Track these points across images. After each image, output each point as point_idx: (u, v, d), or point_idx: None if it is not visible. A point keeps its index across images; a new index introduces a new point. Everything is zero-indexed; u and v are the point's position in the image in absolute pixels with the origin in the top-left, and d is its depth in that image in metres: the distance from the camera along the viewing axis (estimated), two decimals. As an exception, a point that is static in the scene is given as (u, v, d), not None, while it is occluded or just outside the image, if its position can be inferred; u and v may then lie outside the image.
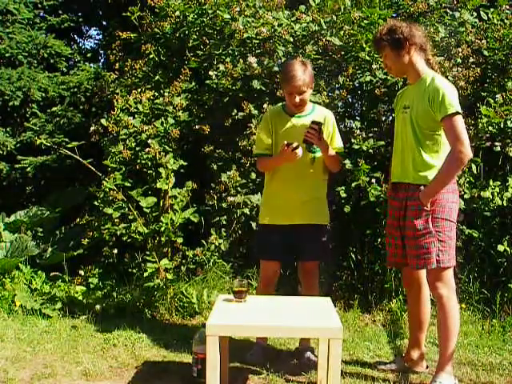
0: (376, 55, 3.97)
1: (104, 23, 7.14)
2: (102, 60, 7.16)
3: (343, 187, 4.06)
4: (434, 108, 2.69)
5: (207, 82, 4.24)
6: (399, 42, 2.77)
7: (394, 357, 3.27)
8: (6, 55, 5.79)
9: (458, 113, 2.65)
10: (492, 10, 4.30)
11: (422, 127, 2.76)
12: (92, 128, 4.33)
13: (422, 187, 2.74)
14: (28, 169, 5.52)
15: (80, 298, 4.20)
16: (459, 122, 2.65)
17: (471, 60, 4.11)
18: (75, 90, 5.84)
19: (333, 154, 3.13)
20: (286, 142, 2.97)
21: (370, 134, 4.09)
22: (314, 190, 3.15)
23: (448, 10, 4.39)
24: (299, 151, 2.96)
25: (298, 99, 3.04)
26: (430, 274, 2.80)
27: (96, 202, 4.15)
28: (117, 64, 4.76)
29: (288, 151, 2.95)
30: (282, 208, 3.13)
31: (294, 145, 2.94)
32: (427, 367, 3.05)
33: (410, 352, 3.07)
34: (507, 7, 4.32)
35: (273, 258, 3.19)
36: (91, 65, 6.51)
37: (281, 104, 3.29)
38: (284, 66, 3.25)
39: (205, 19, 4.41)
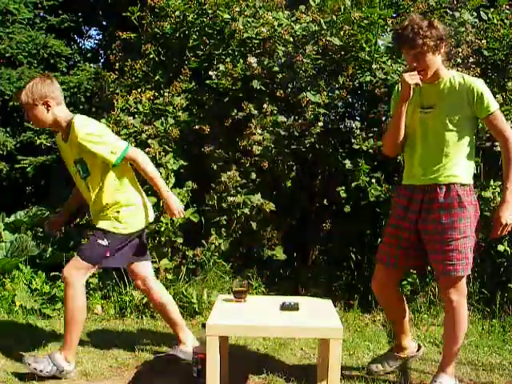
0: (376, 55, 3.97)
1: (104, 23, 7.15)
2: (102, 60, 7.18)
3: (343, 187, 4.06)
4: (474, 107, 2.63)
5: (207, 81, 4.24)
6: (441, 40, 2.60)
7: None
8: (6, 55, 5.79)
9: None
10: (492, 9, 4.30)
11: (451, 126, 2.65)
12: (92, 128, 4.31)
13: (452, 186, 2.64)
14: (28, 169, 5.52)
15: (80, 298, 4.19)
16: (501, 115, 2.66)
17: (471, 60, 4.11)
18: (75, 90, 5.84)
19: None
20: None
21: (370, 134, 4.09)
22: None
23: (448, 10, 4.38)
24: None
25: None
26: (444, 279, 2.71)
27: (96, 202, 4.14)
28: (117, 64, 4.76)
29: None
30: None
31: None
32: (419, 347, 2.99)
33: (401, 342, 2.95)
34: (507, 7, 4.32)
35: None
36: (91, 65, 6.51)
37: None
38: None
39: (205, 19, 4.41)
